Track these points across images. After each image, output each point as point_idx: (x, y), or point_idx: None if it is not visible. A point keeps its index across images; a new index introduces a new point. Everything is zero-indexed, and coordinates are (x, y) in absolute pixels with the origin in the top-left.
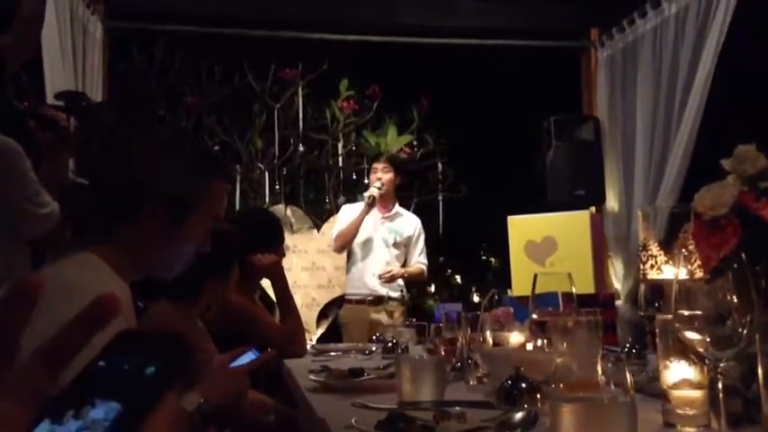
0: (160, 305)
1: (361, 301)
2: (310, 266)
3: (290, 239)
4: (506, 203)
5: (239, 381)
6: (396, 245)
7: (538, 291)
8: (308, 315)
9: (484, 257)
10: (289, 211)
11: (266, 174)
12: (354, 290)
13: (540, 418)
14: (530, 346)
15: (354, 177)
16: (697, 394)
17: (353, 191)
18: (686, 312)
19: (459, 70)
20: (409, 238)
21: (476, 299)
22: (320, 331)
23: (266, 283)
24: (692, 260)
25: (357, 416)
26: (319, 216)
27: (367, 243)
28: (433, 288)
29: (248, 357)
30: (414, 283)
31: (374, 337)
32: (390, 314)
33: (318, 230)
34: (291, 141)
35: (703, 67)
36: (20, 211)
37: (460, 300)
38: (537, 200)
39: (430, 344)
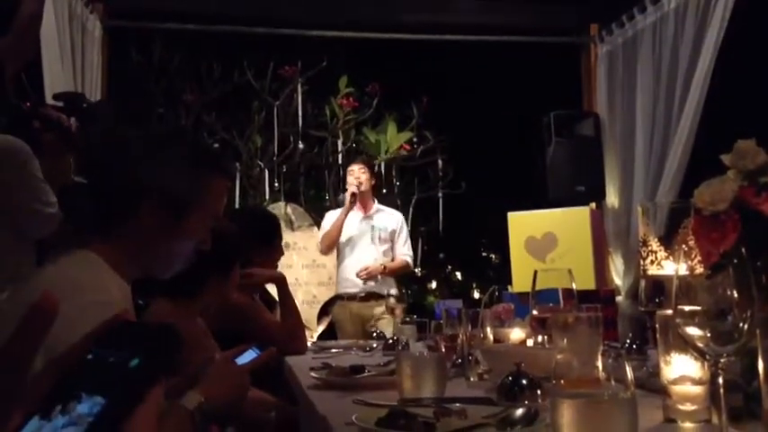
0: (161, 303)
1: (352, 298)
2: (311, 264)
3: (290, 237)
4: (506, 200)
5: (240, 379)
6: (381, 240)
7: (538, 287)
8: (309, 312)
9: (484, 254)
10: (289, 209)
11: (266, 171)
12: (345, 289)
13: (540, 415)
14: (530, 343)
15: None
16: (698, 390)
17: None
18: (687, 308)
19: (458, 67)
20: (393, 233)
21: (476, 295)
22: (321, 328)
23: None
24: (693, 256)
25: (358, 413)
26: (320, 213)
27: (353, 243)
28: (433, 285)
29: (249, 356)
30: (414, 279)
31: (374, 334)
32: (391, 311)
33: (319, 228)
34: (291, 139)
35: (703, 62)
36: (28, 211)
37: (461, 296)
38: (537, 196)
39: (430, 340)
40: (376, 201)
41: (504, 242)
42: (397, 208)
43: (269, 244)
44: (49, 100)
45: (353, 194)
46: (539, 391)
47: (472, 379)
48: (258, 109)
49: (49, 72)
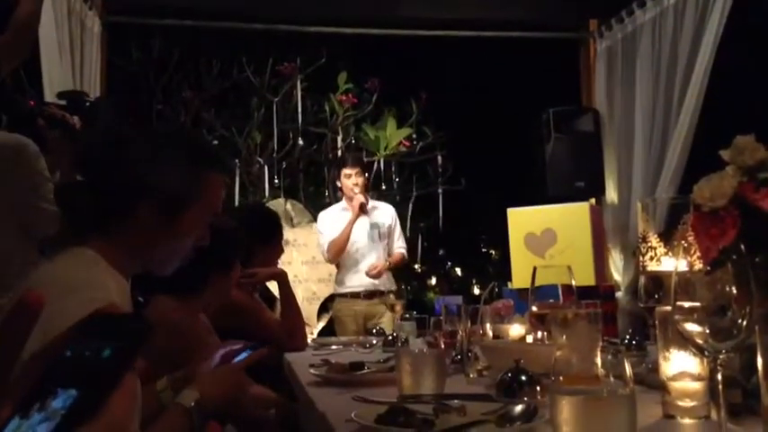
0: (164, 299)
1: (355, 295)
2: (310, 260)
3: (290, 233)
4: (506, 195)
5: (236, 377)
6: (381, 237)
7: (538, 283)
8: (309, 309)
9: (484, 250)
10: (288, 205)
11: (265, 168)
12: (347, 289)
13: (539, 411)
14: (530, 339)
15: None
16: (697, 386)
17: None
18: (686, 304)
19: (457, 62)
20: (390, 227)
21: (476, 291)
22: (321, 325)
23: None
24: (692, 252)
25: (357, 409)
26: (319, 210)
27: (355, 243)
28: (433, 281)
29: (243, 357)
30: (414, 276)
31: (374, 330)
32: (391, 308)
33: None
34: (290, 135)
35: (702, 57)
36: (35, 209)
37: (461, 292)
38: (536, 192)
39: (430, 337)
40: (369, 197)
41: (504, 238)
42: (396, 204)
43: (270, 242)
44: (48, 96)
45: (362, 204)
46: (538, 388)
47: (471, 375)
48: (257, 106)
49: (47, 68)
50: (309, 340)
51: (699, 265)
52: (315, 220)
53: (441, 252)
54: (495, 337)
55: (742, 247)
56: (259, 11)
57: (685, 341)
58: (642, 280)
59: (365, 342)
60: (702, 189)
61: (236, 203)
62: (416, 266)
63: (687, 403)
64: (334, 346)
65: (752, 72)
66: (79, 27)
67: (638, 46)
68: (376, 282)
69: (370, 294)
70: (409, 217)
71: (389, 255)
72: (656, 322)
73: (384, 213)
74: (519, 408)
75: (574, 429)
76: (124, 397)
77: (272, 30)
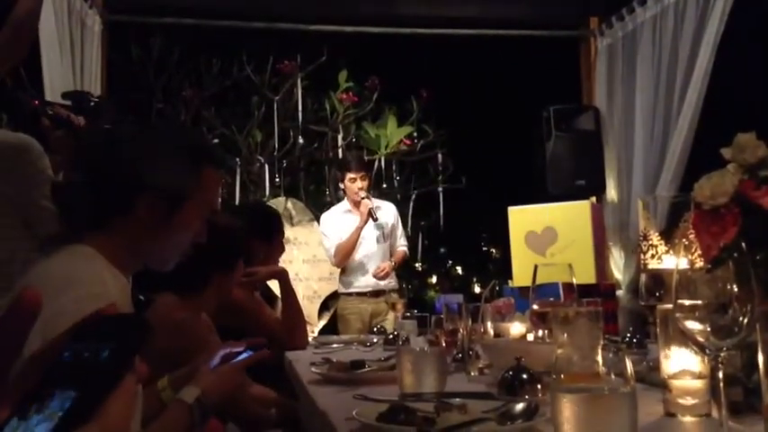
0: (167, 297)
1: (361, 294)
2: (311, 259)
3: (290, 232)
4: (507, 194)
5: (236, 375)
6: (385, 237)
7: (539, 281)
8: (310, 307)
9: (485, 248)
10: (289, 204)
11: (266, 166)
12: (354, 289)
13: (540, 409)
14: (531, 337)
15: None
16: (698, 384)
17: None
18: (687, 302)
19: (458, 61)
20: (393, 227)
21: (477, 290)
22: (322, 323)
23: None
24: (693, 249)
25: (358, 408)
26: (320, 208)
27: (361, 246)
28: (434, 279)
29: (244, 357)
30: (414, 274)
31: (375, 329)
32: (392, 306)
33: (319, 222)
34: (291, 134)
35: (703, 55)
36: (38, 207)
37: (461, 291)
38: (537, 190)
39: (431, 335)
40: (371, 197)
41: (505, 236)
42: (396, 203)
43: (271, 240)
44: (49, 95)
45: (372, 210)
46: (539, 386)
47: (473, 373)
48: (258, 104)
49: (48, 67)
50: (310, 339)
51: (700, 263)
52: (315, 218)
53: (441, 250)
54: (496, 335)
55: (743, 244)
56: (259, 9)
57: (686, 339)
58: (643, 278)
59: (366, 340)
60: (703, 187)
61: (237, 202)
62: (417, 265)
63: (688, 401)
64: (335, 345)
65: (752, 70)
66: (80, 26)
67: (639, 44)
68: (383, 283)
69: (376, 293)
70: (410, 215)
71: (392, 254)
72: (657, 320)
73: (387, 213)
74: (520, 406)
75: (575, 427)
76: (123, 398)
77: (273, 28)
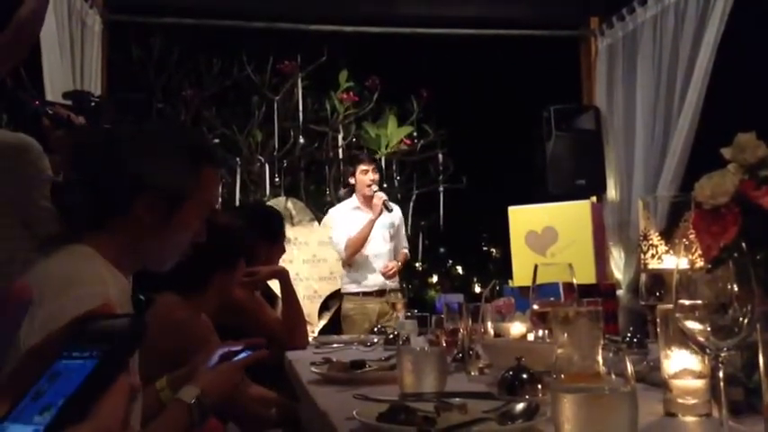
0: (169, 296)
1: (368, 294)
2: (311, 259)
3: (290, 232)
4: (507, 194)
5: (235, 374)
6: (391, 237)
7: (539, 281)
8: (310, 307)
9: (485, 248)
10: (289, 204)
11: (266, 166)
12: (360, 288)
13: (541, 409)
14: (531, 337)
15: None
16: (698, 384)
17: None
18: (687, 302)
19: (458, 60)
20: (398, 227)
21: (477, 289)
22: (322, 323)
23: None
24: (693, 249)
25: (358, 408)
26: (320, 208)
27: (370, 243)
28: (434, 279)
29: (243, 357)
30: (415, 274)
31: (375, 329)
32: (393, 306)
33: (319, 223)
34: (291, 133)
35: (704, 55)
36: (38, 208)
37: (462, 290)
38: (537, 190)
39: (431, 335)
40: None
41: (505, 236)
42: (397, 203)
43: (272, 240)
44: (49, 95)
45: (385, 201)
46: (539, 386)
47: (473, 373)
48: (258, 104)
49: (48, 67)
50: (310, 338)
51: (700, 263)
52: (316, 218)
53: (442, 250)
54: (497, 335)
55: (743, 244)
56: (259, 9)
57: (687, 339)
58: (643, 278)
59: (366, 340)
60: (704, 187)
61: (238, 202)
62: (417, 265)
63: (688, 401)
64: (335, 345)
65: (753, 70)
66: (80, 26)
67: (640, 44)
68: (387, 281)
69: (382, 293)
70: (410, 215)
71: (395, 255)
72: (658, 320)
73: (394, 214)
74: (520, 406)
75: (575, 427)
76: (116, 398)
77: (273, 28)
